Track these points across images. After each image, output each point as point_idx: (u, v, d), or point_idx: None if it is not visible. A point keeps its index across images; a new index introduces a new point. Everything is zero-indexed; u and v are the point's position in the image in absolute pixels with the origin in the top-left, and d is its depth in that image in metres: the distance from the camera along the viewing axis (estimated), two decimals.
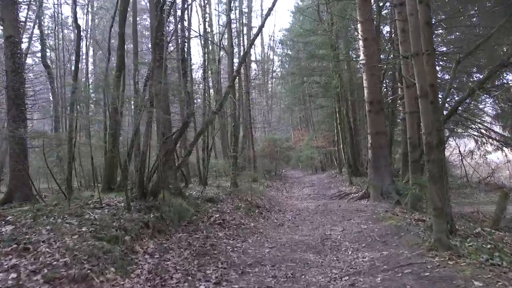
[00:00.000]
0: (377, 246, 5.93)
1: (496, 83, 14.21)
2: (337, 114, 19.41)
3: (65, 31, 25.27)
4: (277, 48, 42.61)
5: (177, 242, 6.12)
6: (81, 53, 23.02)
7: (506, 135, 15.59)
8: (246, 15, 23.55)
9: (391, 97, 16.74)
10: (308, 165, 30.76)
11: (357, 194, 13.86)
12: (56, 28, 22.16)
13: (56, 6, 20.79)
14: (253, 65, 38.65)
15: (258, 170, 22.40)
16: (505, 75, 14.79)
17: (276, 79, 43.63)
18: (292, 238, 7.39)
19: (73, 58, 17.53)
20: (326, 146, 28.13)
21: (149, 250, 5.37)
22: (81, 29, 10.44)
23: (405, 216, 8.02)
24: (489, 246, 4.93)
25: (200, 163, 15.69)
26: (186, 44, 11.78)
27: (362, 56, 13.69)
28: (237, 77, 22.88)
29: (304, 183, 22.32)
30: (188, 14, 16.84)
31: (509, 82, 15.36)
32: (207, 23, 18.94)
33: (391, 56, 17.28)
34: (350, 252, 5.90)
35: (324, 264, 5.41)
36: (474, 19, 14.66)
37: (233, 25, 23.08)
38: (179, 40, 8.80)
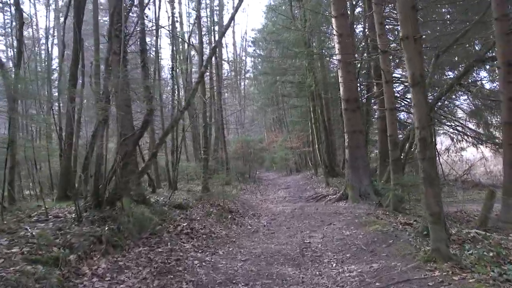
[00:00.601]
0: (364, 256, 5.27)
1: (470, 80, 14.08)
2: (312, 113, 18.88)
3: (29, 29, 23.70)
4: (249, 47, 42.12)
5: (136, 259, 5.27)
6: (47, 52, 21.70)
7: (480, 132, 15.47)
8: (217, 12, 22.67)
9: (367, 95, 16.29)
10: (283, 167, 30.25)
11: (334, 196, 13.30)
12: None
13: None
14: (225, 66, 37.93)
15: (231, 172, 21.60)
16: (478, 72, 14.71)
17: (248, 80, 43.07)
18: (268, 248, 6.66)
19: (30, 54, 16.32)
20: (301, 146, 27.65)
21: (100, 271, 4.50)
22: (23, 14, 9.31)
23: (390, 219, 7.44)
24: (491, 254, 4.35)
25: (169, 166, 14.80)
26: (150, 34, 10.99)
27: (337, 52, 13.16)
28: (209, 77, 22.14)
29: (279, 185, 21.67)
30: (155, 8, 15.99)
31: (483, 79, 15.27)
32: (176, 19, 18.00)
33: (365, 53, 16.93)
34: (334, 265, 5.21)
35: (305, 281, 4.69)
36: (448, 16, 14.53)
37: (204, 23, 22.31)
38: (139, 29, 7.90)
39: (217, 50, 22.63)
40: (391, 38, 15.30)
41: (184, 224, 7.76)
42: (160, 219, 7.64)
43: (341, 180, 16.67)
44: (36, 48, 22.94)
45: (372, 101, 18.18)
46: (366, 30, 16.26)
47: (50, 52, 24.34)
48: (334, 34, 13.55)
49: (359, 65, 16.65)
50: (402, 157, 9.61)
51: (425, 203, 4.32)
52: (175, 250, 5.99)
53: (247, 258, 5.97)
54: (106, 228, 5.56)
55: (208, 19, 21.95)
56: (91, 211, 6.13)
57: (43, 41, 23.81)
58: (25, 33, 19.85)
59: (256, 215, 11.55)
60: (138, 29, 8.35)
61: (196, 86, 8.84)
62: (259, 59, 33.54)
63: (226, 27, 9.52)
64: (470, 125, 16.30)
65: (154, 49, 16.74)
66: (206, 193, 13.19)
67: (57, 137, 9.51)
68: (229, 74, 38.54)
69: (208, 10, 22.35)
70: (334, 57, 17.52)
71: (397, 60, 15.75)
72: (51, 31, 23.18)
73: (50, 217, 5.80)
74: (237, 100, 40.70)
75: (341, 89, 13.12)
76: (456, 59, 14.81)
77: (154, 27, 13.48)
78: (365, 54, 16.82)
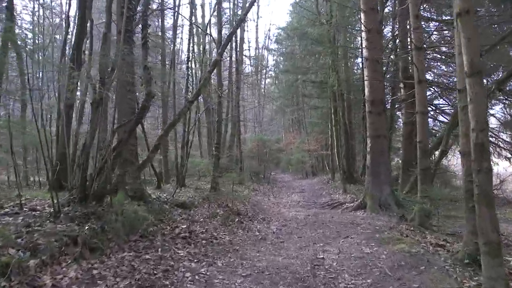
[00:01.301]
0: (390, 286, 4.31)
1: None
2: (333, 115, 17.87)
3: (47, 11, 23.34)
4: (272, 44, 41.26)
5: (116, 267, 4.45)
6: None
7: None
8: (240, 4, 21.84)
9: (392, 98, 15.14)
10: (299, 169, 29.34)
11: (352, 204, 12.32)
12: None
13: None
14: (246, 61, 37.17)
15: (245, 172, 20.79)
16: None
17: (269, 79, 42.25)
18: (275, 262, 5.75)
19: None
20: (318, 149, 26.69)
21: (64, 282, 3.68)
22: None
23: (417, 237, 6.42)
24: None
25: (178, 161, 14.07)
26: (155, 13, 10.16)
27: (364, 50, 12.14)
28: (229, 71, 21.37)
29: (293, 188, 20.72)
30: None
31: None
32: (195, 9, 17.28)
33: (393, 53, 15.83)
34: None
35: None
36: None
37: (225, 16, 21.54)
38: (142, 4, 7.12)
39: (238, 44, 21.84)
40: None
41: (183, 226, 6.93)
42: (157, 219, 6.84)
43: (359, 188, 15.63)
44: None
45: (397, 106, 17.09)
46: (396, 27, 15.14)
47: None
48: (362, 30, 12.55)
49: (385, 67, 15.57)
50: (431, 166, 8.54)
51: (479, 228, 3.36)
52: (166, 258, 5.15)
53: (249, 274, 5.08)
54: (86, 227, 4.77)
55: (230, 10, 21.15)
56: (74, 205, 5.37)
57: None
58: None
59: (266, 220, 10.66)
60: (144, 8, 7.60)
61: (207, 75, 8.04)
62: (281, 58, 32.64)
63: (246, 11, 8.69)
64: (504, 137, 15.04)
65: (171, 33, 15.98)
66: (214, 192, 12.38)
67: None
68: (250, 71, 37.70)
69: (231, 2, 21.58)
70: (361, 55, 16.51)
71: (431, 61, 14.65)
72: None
73: (25, 209, 5.05)
74: (257, 97, 39.85)
75: (366, 89, 12.13)
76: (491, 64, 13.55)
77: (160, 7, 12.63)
78: (393, 54, 15.70)
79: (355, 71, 22.17)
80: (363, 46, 12.15)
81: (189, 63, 13.33)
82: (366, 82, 12.05)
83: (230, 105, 21.56)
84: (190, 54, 13.33)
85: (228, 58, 22.09)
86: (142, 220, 6.02)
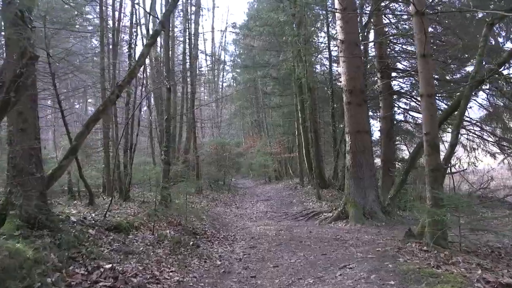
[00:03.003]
0: None
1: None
2: (299, 113, 16.02)
3: None
4: (229, 45, 39.49)
5: None
6: None
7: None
8: None
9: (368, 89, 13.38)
10: (261, 174, 27.42)
11: (330, 214, 10.45)
12: None
13: None
14: (203, 62, 35.01)
15: (202, 179, 18.45)
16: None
17: (226, 82, 40.31)
18: None
19: None
20: (281, 152, 24.88)
21: None
22: None
23: (453, 270, 4.46)
24: None
25: (121, 169, 11.60)
26: None
27: (340, 31, 10.34)
28: (182, 68, 19.03)
29: (257, 195, 18.65)
30: None
31: None
32: None
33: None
34: None
35: None
36: None
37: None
38: None
39: (193, 38, 19.54)
40: None
41: (107, 267, 4.61)
42: (66, 258, 4.48)
43: (333, 193, 13.85)
44: None
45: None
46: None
47: None
48: (335, 10, 10.77)
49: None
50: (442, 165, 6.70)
51: None
52: None
53: None
54: None
55: None
56: None
57: None
58: None
59: (229, 239, 8.51)
60: None
61: (146, 50, 5.81)
62: (239, 59, 30.49)
63: None
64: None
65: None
66: (164, 206, 10.05)
67: None
68: (206, 68, 35.47)
69: None
70: (327, 47, 14.82)
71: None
72: None
73: None
74: (214, 99, 37.61)
75: (343, 77, 10.37)
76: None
77: None
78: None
79: (319, 67, 20.64)
80: (339, 26, 10.34)
81: (131, 49, 10.88)
82: (342, 69, 10.28)
83: (184, 104, 19.23)
84: (132, 38, 10.92)
85: (182, 54, 19.87)
86: (29, 269, 3.66)
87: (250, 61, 22.20)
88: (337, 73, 17.76)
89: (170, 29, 16.02)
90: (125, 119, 10.83)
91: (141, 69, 12.08)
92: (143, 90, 12.27)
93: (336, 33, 11.58)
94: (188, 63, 18.58)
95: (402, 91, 13.84)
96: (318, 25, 17.61)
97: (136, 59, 6.01)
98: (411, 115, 14.89)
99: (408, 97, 13.71)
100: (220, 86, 39.80)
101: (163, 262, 5.65)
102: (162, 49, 16.68)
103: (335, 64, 15.58)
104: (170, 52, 12.50)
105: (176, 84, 16.14)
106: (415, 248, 5.72)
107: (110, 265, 4.64)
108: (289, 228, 9.37)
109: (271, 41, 19.61)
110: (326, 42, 16.02)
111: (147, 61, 21.16)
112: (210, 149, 22.26)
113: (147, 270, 5.01)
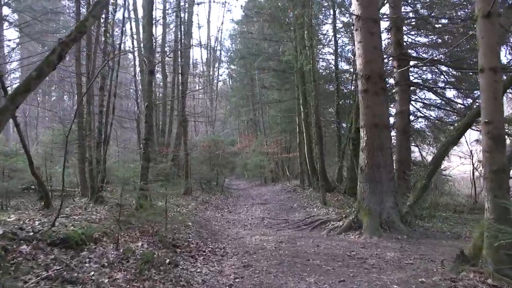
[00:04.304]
0: None
1: None
2: (301, 107, 14.35)
3: None
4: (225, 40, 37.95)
5: None
6: None
7: None
8: None
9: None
10: (256, 175, 25.77)
11: (340, 223, 8.79)
12: None
13: None
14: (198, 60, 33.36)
15: (192, 179, 16.73)
16: None
17: (222, 82, 38.72)
18: None
19: None
20: (278, 152, 23.26)
21: None
22: None
23: None
24: None
25: (94, 165, 9.88)
26: None
27: (355, 4, 8.69)
28: (173, 57, 17.34)
29: (252, 197, 16.94)
30: None
31: None
32: None
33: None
34: None
35: None
36: None
37: None
38: None
39: (186, 24, 17.81)
40: None
41: None
42: None
43: (338, 197, 12.21)
44: None
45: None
46: None
47: None
48: None
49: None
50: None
51: None
52: None
53: None
54: None
55: None
56: None
57: None
58: None
59: (217, 253, 6.80)
60: None
61: (93, 10, 4.15)
62: (234, 55, 28.70)
63: None
64: None
65: None
66: (142, 210, 8.35)
67: None
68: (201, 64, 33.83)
69: None
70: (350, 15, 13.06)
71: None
72: None
73: None
74: (209, 96, 35.94)
75: (358, 60, 8.72)
76: None
77: None
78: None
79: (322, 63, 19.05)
80: (353, 2, 8.71)
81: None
82: (358, 51, 8.62)
83: (175, 96, 17.50)
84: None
85: (173, 42, 18.21)
86: None
87: (247, 52, 20.41)
88: (342, 65, 16.21)
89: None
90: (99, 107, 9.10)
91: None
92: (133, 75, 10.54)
93: (351, 9, 9.89)
94: (179, 44, 16.81)
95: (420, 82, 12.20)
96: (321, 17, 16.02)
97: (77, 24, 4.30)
98: (422, 113, 13.26)
99: (427, 89, 12.04)
100: (215, 82, 38.12)
101: None
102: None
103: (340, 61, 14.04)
104: (153, 28, 10.84)
105: (158, 63, 14.30)
106: (476, 280, 4.08)
107: None
108: (291, 240, 7.71)
109: (270, 33, 18.03)
110: (330, 34, 14.40)
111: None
112: (202, 146, 20.51)
113: None
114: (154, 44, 10.88)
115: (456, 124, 9.77)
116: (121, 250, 5.38)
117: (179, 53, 16.34)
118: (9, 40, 16.79)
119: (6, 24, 16.19)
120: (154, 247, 6.22)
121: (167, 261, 5.52)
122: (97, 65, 9.90)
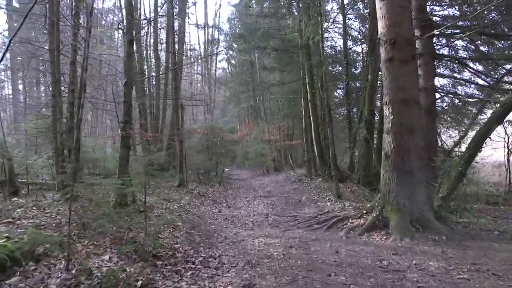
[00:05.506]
0: None
1: None
2: (307, 87, 12.73)
3: None
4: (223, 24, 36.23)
5: None
6: None
7: None
8: None
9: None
10: (258, 164, 24.22)
11: (359, 221, 7.28)
12: None
13: None
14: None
15: (186, 169, 15.21)
16: None
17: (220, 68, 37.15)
18: None
19: None
20: (281, 140, 21.73)
21: None
22: None
23: None
24: None
25: (65, 155, 8.37)
26: None
27: None
28: (167, 39, 15.72)
29: (254, 189, 15.43)
30: None
31: None
32: None
33: None
34: None
35: None
36: None
37: None
38: None
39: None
40: None
41: None
42: None
43: (352, 188, 10.73)
44: None
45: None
46: None
47: None
48: None
49: None
50: None
51: None
52: None
53: None
54: None
55: None
56: None
57: None
58: None
59: (210, 265, 5.28)
60: None
61: None
62: (233, 38, 27.03)
63: None
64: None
65: None
66: (120, 208, 6.90)
67: None
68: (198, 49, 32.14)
69: None
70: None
71: None
72: None
73: None
74: (207, 82, 34.35)
75: (381, 23, 7.13)
76: None
77: None
78: None
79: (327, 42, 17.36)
80: None
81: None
82: (380, 11, 7.03)
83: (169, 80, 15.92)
84: None
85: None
86: None
87: (246, 28, 18.59)
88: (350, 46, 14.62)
89: None
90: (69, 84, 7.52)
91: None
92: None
93: None
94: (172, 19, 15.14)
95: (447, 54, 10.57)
96: None
97: None
98: (446, 90, 11.71)
99: (456, 62, 10.40)
100: (214, 66, 36.46)
101: None
102: None
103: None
104: None
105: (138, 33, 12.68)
106: None
107: None
108: (303, 244, 6.22)
109: (271, 8, 16.38)
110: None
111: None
112: (199, 132, 18.97)
113: None
114: (133, 4, 9.24)
115: (499, 100, 8.18)
116: (73, 272, 3.89)
117: (172, 30, 14.68)
118: None
119: None
120: (127, 260, 4.75)
121: (139, 283, 4.03)
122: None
